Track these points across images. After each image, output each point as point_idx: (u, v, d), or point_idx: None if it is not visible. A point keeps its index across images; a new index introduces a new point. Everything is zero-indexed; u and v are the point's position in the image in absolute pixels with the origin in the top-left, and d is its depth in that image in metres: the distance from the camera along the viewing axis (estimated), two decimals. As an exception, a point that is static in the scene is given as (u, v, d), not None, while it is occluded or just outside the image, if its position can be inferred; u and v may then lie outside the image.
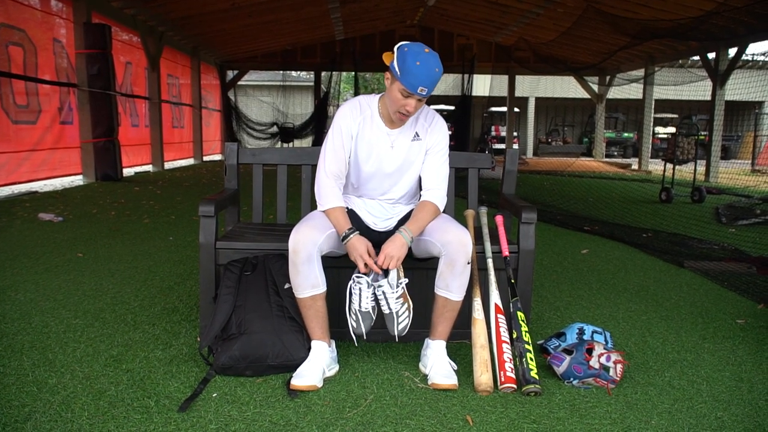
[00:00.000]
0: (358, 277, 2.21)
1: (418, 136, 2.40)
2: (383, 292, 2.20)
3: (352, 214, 2.44)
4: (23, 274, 3.61)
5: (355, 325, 2.19)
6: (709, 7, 9.30)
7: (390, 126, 2.38)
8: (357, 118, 2.37)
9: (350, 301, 2.22)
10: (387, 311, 2.21)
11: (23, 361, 2.32)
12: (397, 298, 2.20)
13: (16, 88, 7.63)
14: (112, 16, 9.96)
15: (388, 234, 2.42)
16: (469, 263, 2.25)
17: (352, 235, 2.24)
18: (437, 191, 2.39)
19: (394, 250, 2.21)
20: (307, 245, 2.20)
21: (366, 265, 2.21)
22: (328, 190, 2.36)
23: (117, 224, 5.48)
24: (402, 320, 2.21)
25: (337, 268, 2.51)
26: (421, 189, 2.46)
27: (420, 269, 2.53)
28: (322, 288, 2.25)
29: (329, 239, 2.27)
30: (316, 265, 2.23)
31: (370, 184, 2.44)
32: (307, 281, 2.22)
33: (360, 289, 2.18)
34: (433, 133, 2.41)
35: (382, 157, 2.38)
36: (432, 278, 2.34)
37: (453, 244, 2.22)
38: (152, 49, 11.63)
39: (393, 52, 2.23)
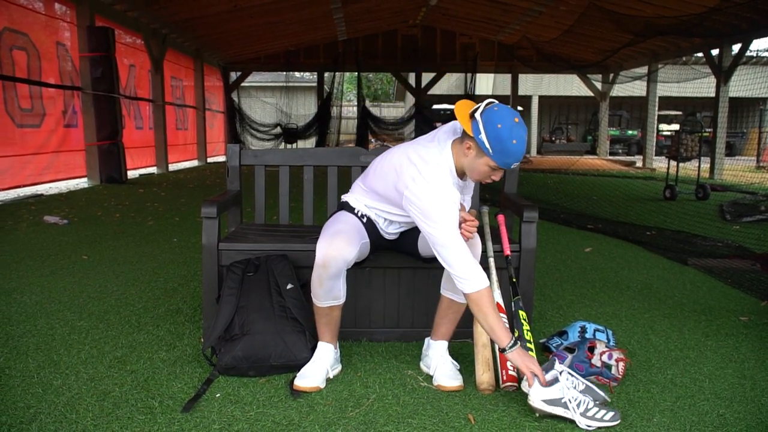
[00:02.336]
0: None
1: None
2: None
3: (369, 223, 2.34)
4: (29, 277, 3.63)
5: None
6: (712, 3, 9.27)
7: (462, 177, 2.18)
8: (456, 190, 2.13)
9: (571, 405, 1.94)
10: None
11: (28, 363, 2.34)
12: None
13: (21, 92, 7.67)
14: (116, 19, 10.00)
15: (395, 240, 2.42)
16: None
17: (516, 347, 2.03)
18: (468, 200, 2.39)
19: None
20: (339, 262, 2.13)
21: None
22: (474, 267, 2.04)
23: (121, 226, 5.50)
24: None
25: (350, 268, 2.47)
26: None
27: (423, 269, 2.54)
28: (341, 300, 2.24)
29: (359, 251, 2.22)
30: (342, 280, 2.20)
31: None
32: (330, 294, 2.20)
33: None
34: None
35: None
36: (436, 278, 2.34)
37: None
38: (155, 51, 11.67)
39: (475, 117, 2.00)
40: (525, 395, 2.00)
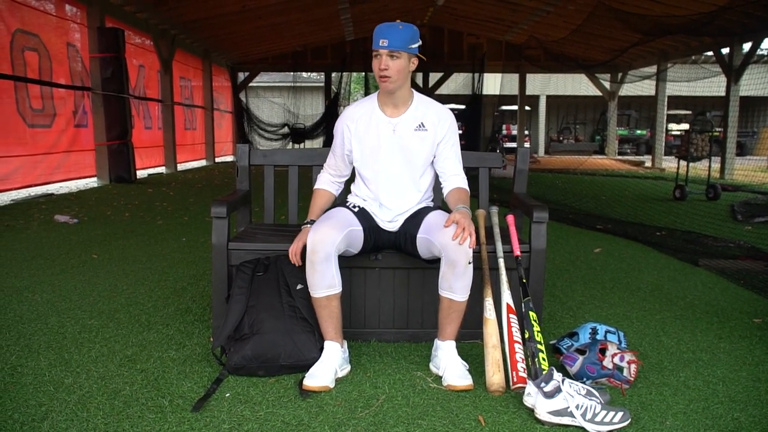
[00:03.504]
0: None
1: (423, 126, 2.43)
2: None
3: (362, 213, 2.46)
4: (39, 276, 3.65)
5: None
6: (722, 2, 9.19)
7: (391, 115, 2.43)
8: (357, 114, 2.47)
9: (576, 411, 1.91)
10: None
11: (40, 361, 2.35)
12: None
13: (32, 92, 7.73)
14: (125, 20, 10.05)
15: (395, 234, 2.46)
16: (470, 263, 2.23)
17: (308, 225, 2.42)
18: (462, 177, 2.48)
19: (465, 218, 2.22)
20: (326, 245, 2.21)
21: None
22: (320, 176, 2.63)
23: (131, 226, 5.53)
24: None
25: (350, 268, 2.52)
26: (433, 186, 2.55)
27: (432, 269, 2.52)
28: (337, 288, 2.27)
29: (346, 238, 2.30)
30: (333, 265, 2.24)
31: (378, 166, 2.44)
32: (324, 281, 2.23)
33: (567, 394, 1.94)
34: (442, 125, 2.44)
35: (383, 140, 2.43)
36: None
37: (451, 246, 2.20)
38: (165, 52, 11.73)
39: None
40: (530, 410, 1.98)
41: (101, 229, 5.34)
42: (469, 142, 16.19)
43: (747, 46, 11.96)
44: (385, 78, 2.30)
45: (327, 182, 2.60)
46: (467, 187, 2.47)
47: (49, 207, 6.61)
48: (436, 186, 2.59)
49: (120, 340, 2.61)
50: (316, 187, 2.61)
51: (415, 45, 2.32)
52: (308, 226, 2.40)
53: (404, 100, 2.42)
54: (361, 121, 2.47)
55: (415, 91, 2.49)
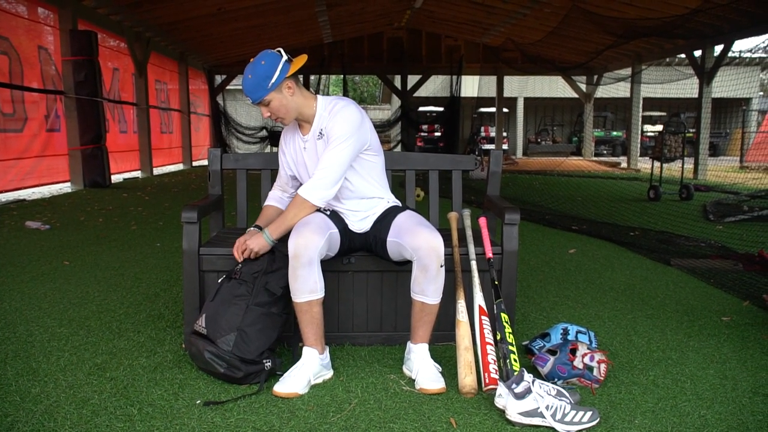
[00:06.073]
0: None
1: (321, 133, 2.38)
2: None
3: (335, 215, 2.45)
4: (8, 283, 3.58)
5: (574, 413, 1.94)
6: (694, 5, 9.37)
7: (305, 133, 2.45)
8: (287, 137, 2.55)
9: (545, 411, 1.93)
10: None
11: (6, 371, 2.30)
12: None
13: (2, 96, 7.58)
14: (99, 22, 9.91)
15: (365, 236, 2.46)
16: (442, 266, 2.24)
17: (252, 229, 2.44)
18: (312, 182, 2.32)
19: (253, 242, 2.32)
20: (309, 250, 2.19)
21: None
22: (271, 193, 2.67)
23: (104, 231, 5.45)
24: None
25: (323, 272, 2.50)
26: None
27: (405, 272, 2.52)
28: (319, 294, 2.25)
29: (328, 242, 2.29)
30: (316, 270, 2.22)
31: None
32: (306, 286, 2.21)
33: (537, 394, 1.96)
34: (329, 125, 2.35)
35: (301, 160, 2.48)
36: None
37: (423, 250, 2.21)
38: (139, 54, 11.59)
39: None
40: (501, 411, 1.99)
41: (74, 235, 5.25)
42: (447, 144, 16.25)
43: (718, 49, 12.20)
44: (276, 120, 2.37)
45: (277, 199, 2.62)
46: (307, 194, 2.31)
47: (21, 213, 6.48)
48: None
49: (90, 348, 2.56)
50: (265, 204, 2.62)
51: (275, 77, 2.22)
52: (254, 229, 2.42)
53: (308, 117, 2.38)
54: (290, 144, 2.53)
55: (318, 99, 2.40)
